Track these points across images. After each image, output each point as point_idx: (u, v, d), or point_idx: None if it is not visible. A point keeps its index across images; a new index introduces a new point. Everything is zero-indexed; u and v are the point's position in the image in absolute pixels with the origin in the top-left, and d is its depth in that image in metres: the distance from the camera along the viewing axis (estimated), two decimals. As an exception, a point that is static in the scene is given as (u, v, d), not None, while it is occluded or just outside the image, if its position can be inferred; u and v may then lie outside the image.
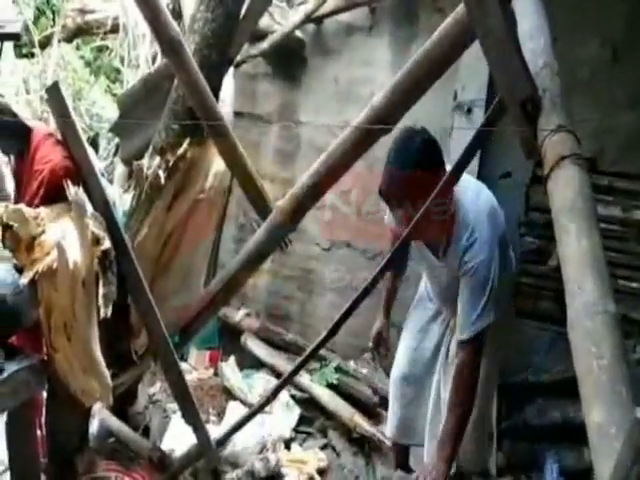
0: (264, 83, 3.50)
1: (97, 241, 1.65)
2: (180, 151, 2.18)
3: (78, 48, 7.52)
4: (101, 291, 1.58)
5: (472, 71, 2.71)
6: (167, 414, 3.24)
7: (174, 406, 3.30)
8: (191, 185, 2.25)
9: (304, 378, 3.23)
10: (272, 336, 3.59)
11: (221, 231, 2.37)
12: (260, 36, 3.24)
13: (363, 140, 1.69)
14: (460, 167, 1.63)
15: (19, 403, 2.06)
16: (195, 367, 3.84)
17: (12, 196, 2.38)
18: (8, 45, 5.16)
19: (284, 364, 3.33)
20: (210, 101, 2.05)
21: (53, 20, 5.93)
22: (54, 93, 1.98)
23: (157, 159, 2.22)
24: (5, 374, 1.92)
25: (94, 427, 2.76)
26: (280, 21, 3.17)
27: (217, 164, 2.23)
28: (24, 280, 1.68)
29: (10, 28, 1.83)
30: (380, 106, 1.61)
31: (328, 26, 3.31)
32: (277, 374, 3.41)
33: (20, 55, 6.29)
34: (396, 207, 1.85)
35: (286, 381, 2.16)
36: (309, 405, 3.23)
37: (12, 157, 2.36)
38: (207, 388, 3.55)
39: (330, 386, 3.17)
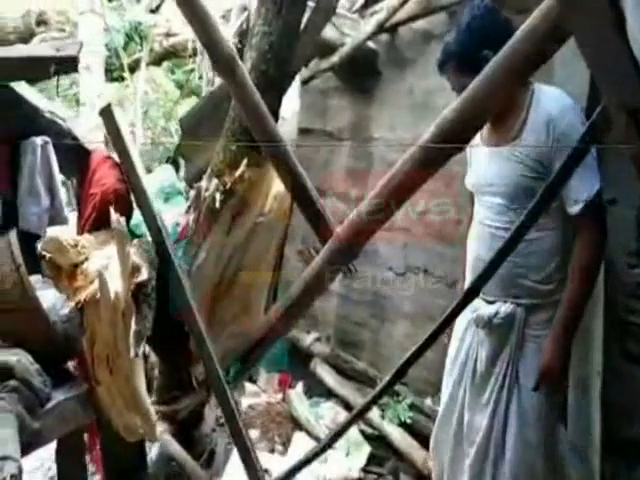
0: (335, 98, 3.32)
1: (135, 271, 1.52)
2: (238, 173, 2.06)
3: (172, 71, 7.87)
4: (133, 327, 1.45)
5: (569, 73, 2.36)
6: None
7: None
8: (250, 208, 2.13)
9: (375, 414, 3.00)
10: (342, 364, 3.42)
11: (282, 256, 2.21)
12: (330, 50, 3.08)
13: (432, 158, 1.45)
14: (552, 191, 1.34)
15: (67, 432, 2.00)
16: (264, 390, 3.75)
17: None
18: (98, 68, 5.41)
19: (354, 395, 3.13)
20: (267, 120, 1.90)
21: (141, 44, 6.18)
22: (107, 115, 1.91)
23: (215, 181, 2.12)
24: (52, 403, 1.87)
25: (153, 451, 2.69)
26: (350, 33, 2.99)
27: (276, 186, 2.09)
28: (65, 311, 1.59)
29: (68, 51, 1.77)
30: (451, 118, 1.37)
31: (403, 35, 3.08)
32: (346, 405, 3.22)
33: (111, 79, 6.62)
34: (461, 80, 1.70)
35: (354, 419, 1.94)
36: (380, 443, 3.00)
37: (74, 180, 2.35)
38: (274, 414, 3.44)
39: (403, 425, 2.92)
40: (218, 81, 4.72)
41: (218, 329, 2.07)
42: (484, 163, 1.94)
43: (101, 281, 1.63)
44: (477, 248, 1.99)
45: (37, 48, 1.86)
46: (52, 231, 1.60)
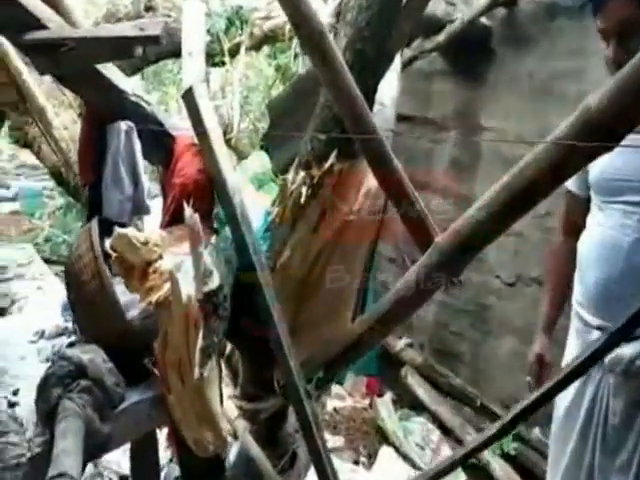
0: (440, 82, 3.00)
1: (205, 277, 1.35)
2: (326, 165, 1.85)
3: (275, 56, 7.82)
4: (198, 343, 1.27)
5: None
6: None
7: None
8: (339, 204, 1.91)
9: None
10: (436, 376, 3.14)
11: (373, 259, 1.98)
12: (436, 27, 2.77)
13: (568, 158, 1.13)
14: None
15: (141, 435, 1.92)
16: (351, 393, 3.58)
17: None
18: (199, 53, 5.42)
19: (449, 414, 2.84)
20: (360, 107, 1.65)
21: (241, 29, 6.12)
22: (189, 99, 1.76)
23: (302, 173, 1.92)
24: (124, 404, 1.77)
25: (232, 452, 2.58)
26: (461, 7, 2.65)
27: (370, 181, 1.85)
28: (134, 312, 1.46)
29: (150, 30, 1.63)
30: (598, 109, 1.05)
31: (523, 9, 2.70)
32: (439, 424, 2.93)
33: (212, 64, 6.65)
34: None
35: (465, 458, 1.66)
36: (478, 473, 2.71)
37: (159, 168, 2.25)
38: (360, 422, 3.26)
39: (506, 456, 2.61)
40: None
41: (301, 333, 1.92)
42: (620, 154, 1.56)
43: (172, 282, 1.48)
44: (604, 265, 1.63)
45: (121, 28, 1.73)
46: (121, 229, 1.44)
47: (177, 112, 8.87)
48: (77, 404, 1.57)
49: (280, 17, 5.53)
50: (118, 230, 1.43)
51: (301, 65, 5.07)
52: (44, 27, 1.89)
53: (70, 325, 2.24)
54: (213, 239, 1.59)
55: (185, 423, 1.63)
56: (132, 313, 1.82)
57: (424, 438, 2.87)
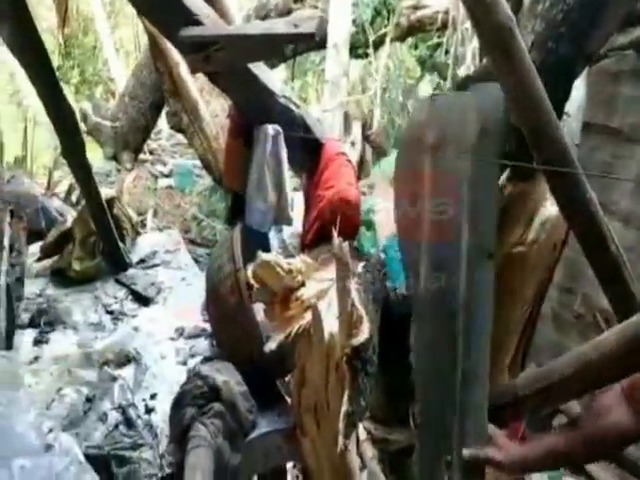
0: (630, 84, 2.51)
1: (354, 326, 1.16)
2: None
3: (416, 46, 7.50)
4: (343, 408, 1.09)
5: None
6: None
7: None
8: (505, 233, 1.63)
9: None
10: None
11: (541, 304, 1.66)
12: (633, 19, 2.32)
13: None
14: None
15: (268, 469, 1.80)
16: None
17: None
18: (344, 45, 5.30)
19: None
20: (547, 117, 1.36)
21: (388, 19, 5.89)
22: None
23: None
24: (255, 434, 1.67)
25: (358, 481, 2.43)
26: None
27: (547, 209, 1.55)
28: (272, 345, 1.32)
29: (305, 27, 1.48)
30: None
31: None
32: None
33: (355, 56, 6.50)
34: None
35: None
36: None
37: (304, 177, 2.12)
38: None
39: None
40: (468, 60, 4.19)
41: None
42: None
43: (314, 316, 1.32)
44: None
45: (273, 24, 1.60)
46: (264, 255, 1.31)
47: (316, 102, 8.90)
48: (210, 431, 1.49)
49: (430, 7, 5.23)
50: (262, 256, 1.29)
51: (452, 58, 4.73)
52: (199, 23, 1.82)
53: (208, 326, 2.21)
54: (359, 268, 1.40)
55: (319, 473, 1.47)
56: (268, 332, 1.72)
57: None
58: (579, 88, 1.86)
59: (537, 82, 1.34)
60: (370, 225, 3.92)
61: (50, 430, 1.18)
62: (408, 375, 1.75)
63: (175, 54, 4.30)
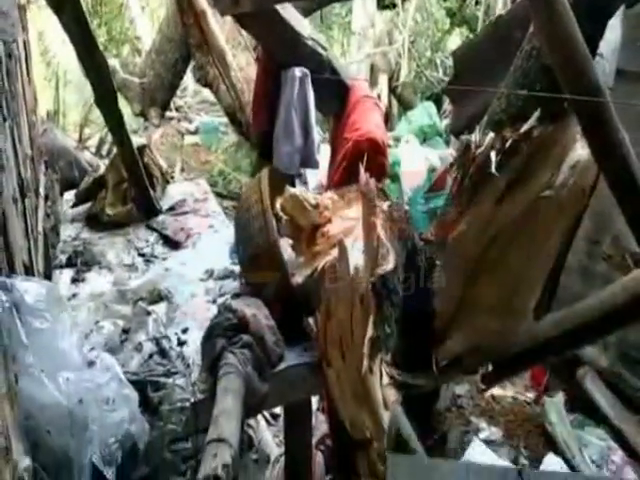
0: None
1: (380, 258, 1.20)
2: (524, 128, 1.56)
3: (446, -1, 7.27)
4: (368, 332, 1.14)
5: None
6: (469, 429, 2.76)
7: (479, 422, 2.80)
8: (534, 176, 1.61)
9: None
10: (625, 387, 2.64)
11: (568, 248, 1.66)
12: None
13: None
14: None
15: (295, 400, 1.89)
16: (512, 384, 3.21)
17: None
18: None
19: (637, 435, 2.41)
20: (582, 57, 1.34)
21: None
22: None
23: (491, 135, 1.65)
24: (282, 366, 1.75)
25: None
26: None
27: (578, 152, 1.53)
28: (298, 279, 1.37)
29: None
30: None
31: None
32: (623, 443, 2.48)
33: (382, 7, 6.34)
34: None
35: None
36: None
37: (331, 120, 2.13)
38: (522, 418, 2.88)
39: None
40: (498, 9, 4.06)
41: (467, 318, 1.70)
42: None
43: (340, 250, 1.37)
44: None
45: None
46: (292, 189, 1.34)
47: (341, 55, 8.74)
48: (239, 360, 1.57)
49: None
50: (290, 190, 1.33)
51: (482, 9, 4.59)
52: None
53: (236, 268, 2.28)
54: (385, 206, 1.43)
55: (342, 402, 1.55)
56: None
57: (603, 456, 2.45)
58: (614, 30, 1.80)
59: (571, 21, 1.32)
60: (395, 177, 3.92)
61: (92, 348, 1.26)
62: (431, 320, 1.79)
63: (203, 4, 4.27)
